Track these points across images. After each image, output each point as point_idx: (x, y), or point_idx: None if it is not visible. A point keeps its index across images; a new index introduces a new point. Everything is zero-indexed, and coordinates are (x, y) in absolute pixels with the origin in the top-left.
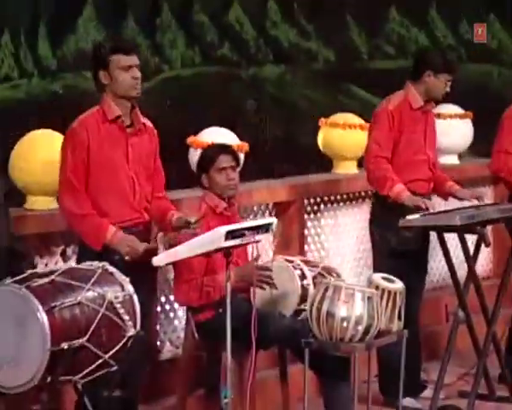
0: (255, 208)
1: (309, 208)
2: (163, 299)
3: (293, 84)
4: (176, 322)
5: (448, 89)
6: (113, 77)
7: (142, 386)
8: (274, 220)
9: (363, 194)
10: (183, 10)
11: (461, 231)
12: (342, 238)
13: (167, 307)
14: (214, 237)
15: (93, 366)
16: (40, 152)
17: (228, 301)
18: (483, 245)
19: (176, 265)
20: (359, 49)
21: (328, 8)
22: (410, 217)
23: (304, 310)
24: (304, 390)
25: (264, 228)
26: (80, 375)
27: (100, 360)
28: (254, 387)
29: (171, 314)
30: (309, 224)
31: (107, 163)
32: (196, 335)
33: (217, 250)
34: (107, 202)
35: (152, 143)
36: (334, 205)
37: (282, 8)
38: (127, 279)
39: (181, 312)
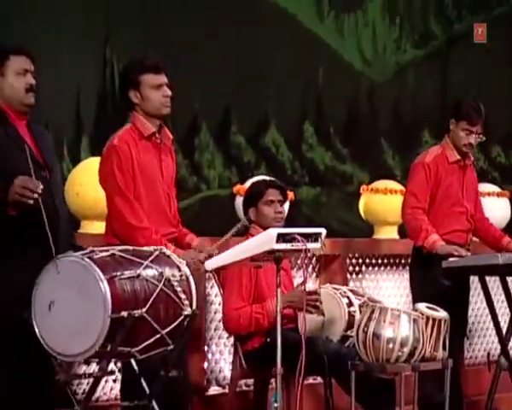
0: (299, 261)
1: (351, 268)
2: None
3: (328, 205)
4: (222, 363)
5: (472, 140)
6: (144, 96)
7: None
8: (323, 230)
9: (403, 260)
10: (221, 131)
11: (502, 271)
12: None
13: (214, 347)
14: (266, 239)
15: (151, 341)
16: (93, 179)
17: (278, 308)
18: None
19: (225, 293)
20: (393, 171)
21: (363, 133)
22: (451, 259)
23: (350, 337)
24: None
25: (314, 237)
26: (138, 348)
27: (157, 335)
28: None
29: (218, 355)
30: (351, 284)
31: (148, 178)
32: (244, 364)
33: (268, 253)
34: (149, 216)
35: (174, 163)
36: (376, 268)
37: (318, 132)
38: (184, 262)
39: (227, 353)
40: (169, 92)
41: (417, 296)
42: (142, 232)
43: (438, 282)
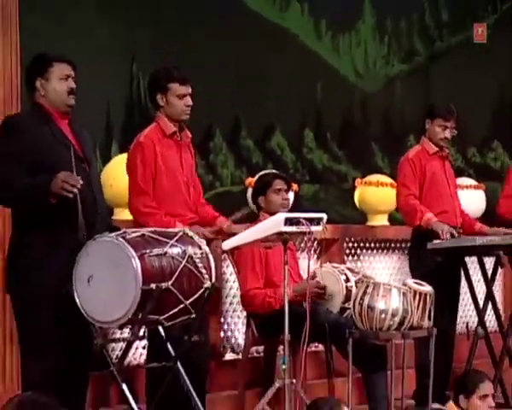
0: (302, 245)
1: (348, 250)
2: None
3: (326, 200)
4: (236, 332)
5: (447, 134)
6: (169, 102)
7: (209, 381)
8: (324, 215)
9: (393, 244)
10: (233, 135)
11: (479, 252)
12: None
13: (229, 319)
14: (275, 222)
15: (176, 310)
16: (124, 173)
17: (286, 282)
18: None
19: (240, 274)
20: (382, 170)
21: (356, 137)
22: (435, 241)
23: (348, 309)
24: (348, 378)
25: (316, 221)
26: (165, 316)
27: (181, 305)
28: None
29: (232, 326)
30: (348, 264)
31: (169, 169)
32: (256, 333)
33: (278, 234)
34: (171, 203)
35: (193, 157)
36: (369, 251)
37: (317, 137)
38: (204, 241)
39: (240, 324)
40: (190, 102)
41: (415, 272)
42: (151, 216)
43: (432, 259)
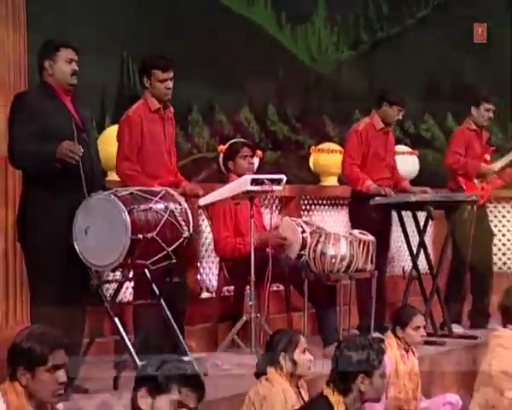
0: (266, 202)
1: (303, 207)
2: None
3: (286, 165)
4: (210, 275)
5: (400, 117)
6: (153, 85)
7: (188, 315)
8: (284, 176)
9: (341, 201)
10: (208, 111)
11: (414, 207)
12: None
13: (204, 264)
14: (243, 183)
15: (160, 256)
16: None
17: (252, 233)
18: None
19: (213, 225)
20: (333, 139)
21: (312, 112)
22: (377, 198)
23: (304, 255)
24: (304, 313)
25: (277, 181)
26: (150, 261)
27: (164, 252)
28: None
29: (207, 270)
30: (304, 218)
31: (153, 139)
32: (227, 275)
33: (245, 193)
34: (155, 167)
35: (174, 130)
36: (322, 206)
37: (279, 112)
38: (183, 198)
39: (214, 268)
40: (170, 86)
41: (354, 225)
42: (135, 178)
43: (368, 214)
